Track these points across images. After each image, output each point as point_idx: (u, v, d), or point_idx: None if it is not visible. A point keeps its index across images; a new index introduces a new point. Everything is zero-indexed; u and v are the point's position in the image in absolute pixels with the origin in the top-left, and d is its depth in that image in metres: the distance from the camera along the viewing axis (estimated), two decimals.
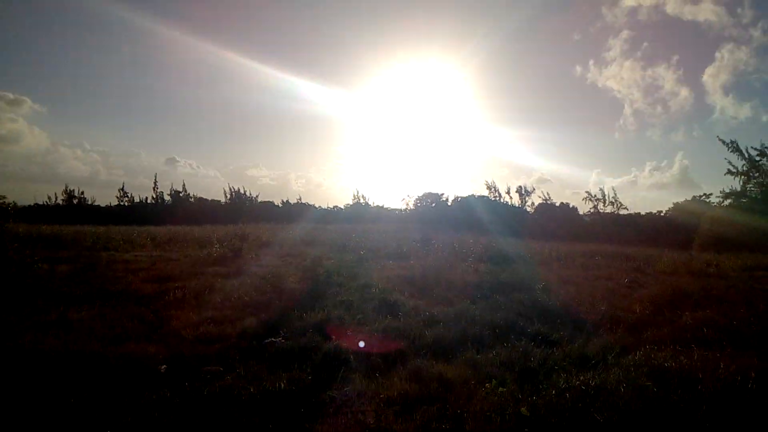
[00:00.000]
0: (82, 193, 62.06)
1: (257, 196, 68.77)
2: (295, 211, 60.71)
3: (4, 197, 13.96)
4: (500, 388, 5.08)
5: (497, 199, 57.45)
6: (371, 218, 55.39)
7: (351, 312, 9.26)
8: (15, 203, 14.42)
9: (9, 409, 4.78)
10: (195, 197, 65.72)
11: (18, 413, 4.72)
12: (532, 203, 56.79)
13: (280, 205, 68.79)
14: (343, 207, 68.87)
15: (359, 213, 61.72)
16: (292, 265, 15.62)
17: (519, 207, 56.78)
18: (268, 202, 68.90)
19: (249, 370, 6.11)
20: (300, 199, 70.73)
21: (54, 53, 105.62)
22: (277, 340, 7.44)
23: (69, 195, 61.08)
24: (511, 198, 57.77)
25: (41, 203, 58.96)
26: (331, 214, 63.33)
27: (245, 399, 5.15)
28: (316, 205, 69.33)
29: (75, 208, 57.47)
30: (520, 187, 57.75)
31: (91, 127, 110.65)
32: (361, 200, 69.17)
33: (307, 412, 4.86)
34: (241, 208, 61.21)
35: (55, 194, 61.17)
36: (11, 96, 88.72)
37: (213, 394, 5.30)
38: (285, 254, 19.60)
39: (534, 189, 57.88)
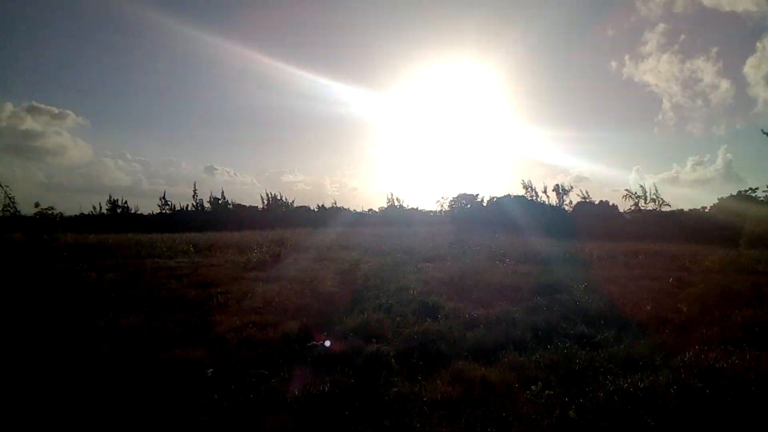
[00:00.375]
0: (125, 202, 64.42)
1: (293, 202, 70.07)
2: (330, 216, 61.44)
3: (52, 208, 14.57)
4: (546, 391, 5.01)
5: (534, 198, 56.57)
6: (406, 221, 55.51)
7: (390, 315, 9.30)
8: (61, 213, 14.99)
9: (66, 413, 4.99)
10: (233, 204, 67.23)
11: (75, 417, 4.92)
12: (570, 202, 55.70)
13: (316, 209, 69.65)
14: (377, 210, 69.39)
15: (394, 216, 61.91)
16: (329, 269, 15.77)
17: (557, 206, 55.71)
18: (304, 206, 70.04)
19: (292, 373, 6.23)
20: (335, 203, 71.59)
21: (95, 67, 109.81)
22: (319, 343, 7.54)
23: (113, 204, 63.37)
24: (548, 197, 56.77)
25: (87, 213, 61.32)
26: (366, 218, 63.76)
27: (290, 401, 5.25)
28: (351, 209, 69.99)
29: (119, 217, 59.59)
30: (558, 185, 56.70)
31: (132, 137, 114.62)
32: (396, 203, 69.49)
33: (352, 415, 4.91)
34: (277, 214, 62.41)
35: (100, 204, 63.72)
36: (56, 110, 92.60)
37: (259, 396, 5.43)
38: (322, 258, 19.80)
39: (572, 187, 56.89)
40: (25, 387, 5.62)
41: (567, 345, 7.17)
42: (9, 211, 13.98)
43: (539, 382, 5.25)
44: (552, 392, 5.17)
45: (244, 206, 67.28)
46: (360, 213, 68.29)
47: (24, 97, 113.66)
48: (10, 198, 13.73)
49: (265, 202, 68.94)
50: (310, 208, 69.96)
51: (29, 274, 13.20)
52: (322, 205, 71.16)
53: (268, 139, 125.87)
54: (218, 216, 59.50)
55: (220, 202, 66.68)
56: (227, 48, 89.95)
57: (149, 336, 8.05)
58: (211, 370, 6.40)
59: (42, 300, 10.62)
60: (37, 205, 14.33)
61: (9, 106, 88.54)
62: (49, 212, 14.49)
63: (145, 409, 5.10)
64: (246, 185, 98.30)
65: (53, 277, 13.22)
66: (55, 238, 14.61)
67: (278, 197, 69.52)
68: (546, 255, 19.61)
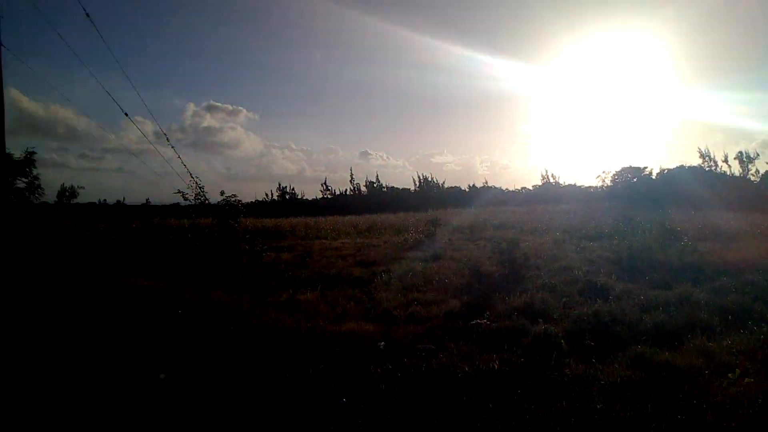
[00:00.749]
0: (293, 188, 70.41)
1: (443, 182, 70.52)
2: (481, 195, 60.76)
3: (234, 195, 16.34)
4: (746, 379, 4.50)
5: (712, 168, 50.37)
6: (562, 197, 52.71)
7: (555, 295, 9.01)
8: (240, 200, 16.73)
9: (261, 379, 5.66)
10: (387, 187, 69.77)
11: (268, 383, 5.56)
12: (757, 171, 48.63)
13: (467, 189, 69.37)
14: (531, 188, 67.04)
15: (549, 193, 59.30)
16: (486, 249, 15.68)
17: (740, 176, 49.04)
18: (455, 187, 70.20)
19: (460, 349, 6.35)
20: (486, 182, 70.58)
21: (261, 65, 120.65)
22: (483, 321, 7.58)
23: (282, 191, 69.54)
24: (729, 167, 50.22)
25: (260, 199, 68.09)
26: (519, 196, 61.96)
27: (461, 377, 5.36)
28: (503, 188, 68.44)
29: (287, 203, 65.29)
30: (740, 153, 49.88)
31: (295, 129, 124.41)
32: (551, 179, 66.45)
33: (525, 393, 4.88)
34: (429, 195, 63.39)
35: (271, 191, 70.26)
36: (230, 107, 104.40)
37: (430, 370, 5.63)
38: (477, 238, 19.75)
39: (758, 155, 49.61)
40: (245, 351, 6.50)
41: (764, 329, 6.37)
42: (199, 199, 15.88)
43: (736, 369, 4.71)
44: (752, 380, 4.62)
45: (397, 189, 69.61)
46: (513, 191, 66.62)
47: (203, 97, 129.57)
48: (200, 188, 15.61)
49: (417, 183, 70.52)
50: (460, 189, 70.01)
51: (219, 254, 15.09)
52: (473, 185, 70.74)
53: (417, 122, 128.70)
54: (374, 199, 62.18)
55: (375, 185, 69.75)
56: (377, 27, 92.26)
57: (325, 310, 8.77)
58: (382, 342, 6.80)
59: (231, 277, 12.08)
60: (222, 193, 16.18)
61: (191, 106, 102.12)
62: (233, 199, 16.25)
63: (327, 376, 5.59)
64: (398, 168, 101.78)
65: (238, 256, 14.95)
66: (238, 222, 16.38)
67: (429, 179, 70.67)
68: (730, 231, 17.40)
